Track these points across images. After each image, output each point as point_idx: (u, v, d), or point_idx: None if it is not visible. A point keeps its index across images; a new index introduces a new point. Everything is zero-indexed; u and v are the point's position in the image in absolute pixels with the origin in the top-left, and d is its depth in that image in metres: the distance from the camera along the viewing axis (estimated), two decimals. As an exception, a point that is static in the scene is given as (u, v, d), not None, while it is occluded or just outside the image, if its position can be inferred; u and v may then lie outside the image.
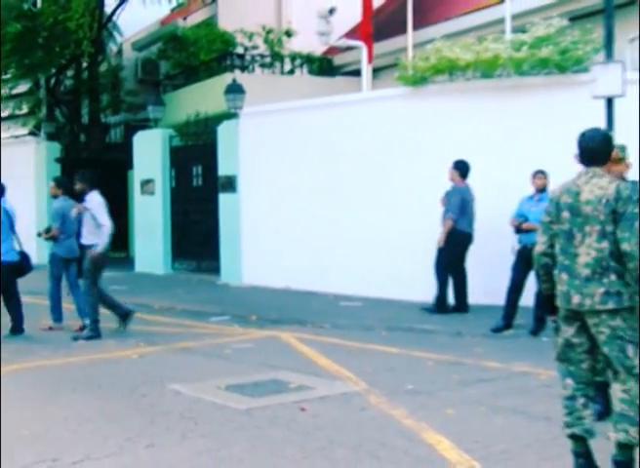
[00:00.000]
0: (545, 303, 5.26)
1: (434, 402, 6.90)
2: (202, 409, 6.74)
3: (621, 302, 4.69)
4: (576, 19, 12.59)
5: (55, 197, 10.95)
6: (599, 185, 4.80)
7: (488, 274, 10.59)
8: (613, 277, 4.71)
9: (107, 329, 10.46)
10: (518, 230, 10.15)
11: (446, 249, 11.20)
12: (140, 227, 18.08)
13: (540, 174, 10.28)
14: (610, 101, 10.34)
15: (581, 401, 4.89)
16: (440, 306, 11.32)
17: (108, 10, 20.97)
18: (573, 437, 4.89)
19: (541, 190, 10.18)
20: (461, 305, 11.42)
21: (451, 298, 11.47)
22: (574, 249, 4.81)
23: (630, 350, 4.73)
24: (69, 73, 21.69)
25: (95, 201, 10.13)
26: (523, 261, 9.92)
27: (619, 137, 9.57)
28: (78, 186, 10.35)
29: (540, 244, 5.01)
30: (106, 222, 10.02)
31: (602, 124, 9.83)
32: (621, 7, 11.75)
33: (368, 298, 12.64)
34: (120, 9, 20.82)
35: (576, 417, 4.86)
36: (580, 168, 5.05)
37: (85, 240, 10.22)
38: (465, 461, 5.30)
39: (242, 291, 14.53)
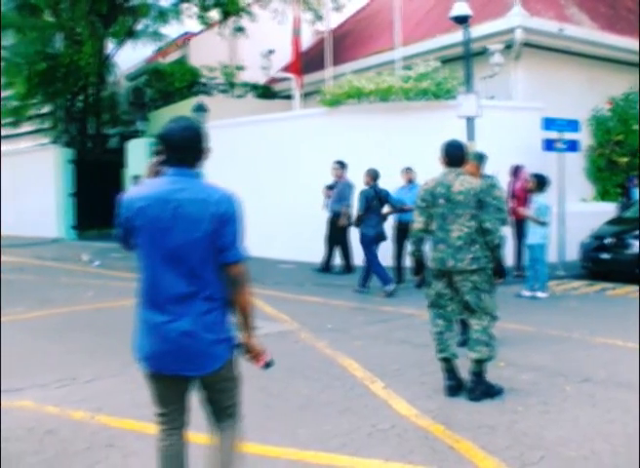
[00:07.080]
0: (417, 265, 5.38)
1: (346, 336, 6.99)
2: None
3: (480, 264, 4.84)
4: (446, 61, 12.73)
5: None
6: (467, 181, 4.91)
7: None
8: (477, 246, 4.84)
9: (114, 286, 10.26)
10: (401, 210, 9.71)
11: (334, 227, 11.22)
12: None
13: (408, 170, 10.32)
14: (470, 120, 10.54)
15: (448, 334, 5.04)
16: (325, 268, 11.38)
17: (109, 51, 20.83)
18: (443, 359, 5.03)
19: (410, 182, 10.24)
20: (347, 267, 11.36)
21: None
22: (448, 226, 4.90)
23: (483, 296, 4.89)
24: (80, 98, 21.35)
25: None
26: (400, 234, 10.01)
27: (477, 145, 9.88)
28: None
29: (418, 222, 5.04)
30: None
31: (464, 136, 10.02)
32: (477, 55, 11.99)
33: (299, 262, 12.63)
34: (117, 51, 20.69)
35: (445, 345, 5.01)
36: (441, 167, 5.11)
37: None
38: (369, 377, 5.42)
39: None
